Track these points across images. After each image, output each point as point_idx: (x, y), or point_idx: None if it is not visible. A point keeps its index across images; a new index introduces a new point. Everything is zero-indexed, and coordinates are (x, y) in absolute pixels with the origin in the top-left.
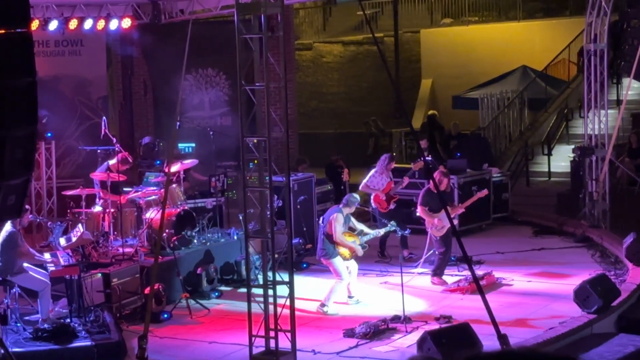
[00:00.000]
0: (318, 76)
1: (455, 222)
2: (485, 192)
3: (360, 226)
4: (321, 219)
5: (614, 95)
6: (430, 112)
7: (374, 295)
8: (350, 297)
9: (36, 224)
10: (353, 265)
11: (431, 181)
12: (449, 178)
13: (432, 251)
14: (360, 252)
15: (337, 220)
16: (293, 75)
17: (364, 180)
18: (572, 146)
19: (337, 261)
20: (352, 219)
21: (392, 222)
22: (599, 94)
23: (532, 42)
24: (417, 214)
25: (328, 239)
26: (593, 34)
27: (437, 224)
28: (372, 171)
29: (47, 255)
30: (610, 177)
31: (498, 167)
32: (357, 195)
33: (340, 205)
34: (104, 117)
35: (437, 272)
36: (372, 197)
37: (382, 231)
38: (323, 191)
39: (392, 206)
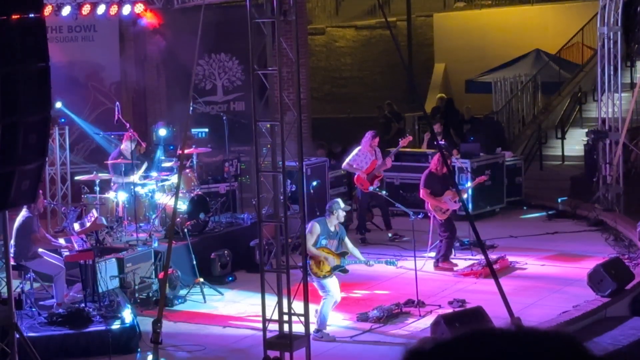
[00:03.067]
0: (331, 61)
1: (457, 206)
2: (484, 177)
3: (351, 247)
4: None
5: (627, 78)
6: (440, 95)
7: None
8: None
9: (50, 209)
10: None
11: (432, 163)
12: (449, 160)
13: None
14: (333, 263)
15: (312, 230)
16: (306, 60)
17: (347, 159)
18: (586, 130)
19: (325, 283)
20: (347, 240)
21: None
22: (612, 77)
23: (546, 25)
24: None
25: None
26: (607, 17)
27: (443, 207)
28: (357, 149)
29: (61, 241)
30: (624, 161)
31: (511, 151)
32: (339, 201)
33: (327, 215)
34: (117, 103)
35: (445, 257)
36: (354, 178)
37: (372, 262)
38: (336, 176)
39: (376, 184)
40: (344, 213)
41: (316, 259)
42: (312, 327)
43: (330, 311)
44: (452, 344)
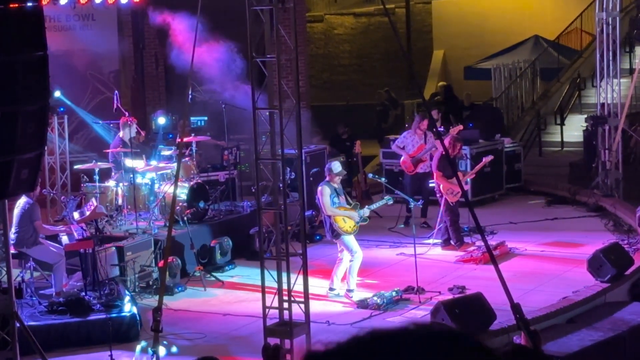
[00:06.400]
0: (329, 48)
1: (467, 187)
2: (490, 157)
3: (353, 202)
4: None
5: (626, 64)
6: (442, 83)
7: (388, 267)
8: (331, 289)
9: (50, 198)
10: (347, 256)
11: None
12: (461, 143)
13: (444, 222)
14: (356, 218)
15: (323, 193)
16: (304, 48)
17: (396, 141)
18: (585, 116)
19: (346, 238)
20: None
21: (388, 197)
22: (611, 62)
23: (544, 11)
24: (432, 182)
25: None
26: (605, 2)
27: (455, 189)
28: (406, 132)
29: (63, 237)
30: (623, 146)
31: (510, 137)
32: (336, 162)
33: (327, 178)
34: (116, 91)
35: (460, 241)
36: (400, 160)
37: (380, 204)
38: None
39: (420, 169)
40: (339, 177)
41: (339, 218)
42: (331, 292)
43: (356, 269)
44: (347, 344)
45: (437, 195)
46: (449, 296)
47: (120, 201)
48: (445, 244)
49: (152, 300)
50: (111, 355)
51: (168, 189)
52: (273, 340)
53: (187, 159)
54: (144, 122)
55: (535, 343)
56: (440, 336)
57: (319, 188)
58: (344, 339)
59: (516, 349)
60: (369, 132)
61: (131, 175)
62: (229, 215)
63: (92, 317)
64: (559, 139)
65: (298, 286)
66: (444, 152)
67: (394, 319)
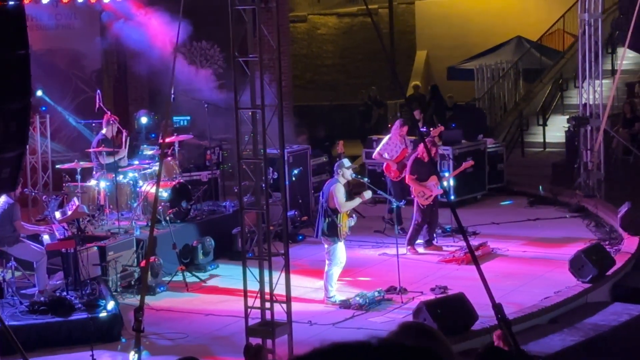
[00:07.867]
0: (313, 48)
1: (440, 191)
2: (471, 162)
3: None
4: (320, 194)
5: (608, 65)
6: (415, 82)
7: (370, 267)
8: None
9: (31, 197)
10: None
11: (419, 149)
12: (437, 147)
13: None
14: (352, 223)
15: (338, 190)
16: (287, 48)
17: (377, 148)
18: (567, 116)
19: (338, 247)
20: None
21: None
22: (593, 63)
23: (527, 12)
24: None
25: (329, 216)
26: (588, 3)
27: (427, 193)
28: (386, 138)
29: (45, 237)
30: (605, 147)
31: (493, 137)
32: (346, 160)
33: (336, 176)
34: (98, 91)
35: (410, 242)
36: (383, 166)
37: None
38: (318, 163)
39: (405, 174)
40: (350, 171)
41: (345, 222)
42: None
43: (335, 275)
44: (309, 356)
45: (412, 196)
46: (431, 296)
47: (102, 201)
48: (428, 244)
49: (134, 300)
50: (92, 355)
51: (150, 188)
52: (255, 340)
53: (169, 158)
54: (127, 121)
55: (515, 343)
56: (402, 351)
57: (333, 186)
58: (306, 352)
59: (487, 350)
60: (352, 132)
61: (113, 176)
62: (212, 215)
63: (74, 316)
64: (542, 140)
65: (280, 286)
66: (417, 156)
67: (376, 319)
